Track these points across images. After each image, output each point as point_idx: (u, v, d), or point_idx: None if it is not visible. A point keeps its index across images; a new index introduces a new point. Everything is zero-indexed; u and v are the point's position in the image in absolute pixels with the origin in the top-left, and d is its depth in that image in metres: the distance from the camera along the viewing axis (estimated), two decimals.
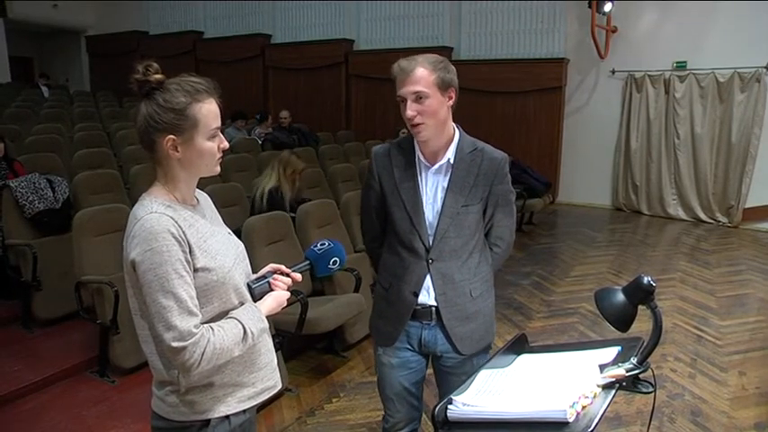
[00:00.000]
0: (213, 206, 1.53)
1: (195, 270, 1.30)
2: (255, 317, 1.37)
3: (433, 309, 1.82)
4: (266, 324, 1.41)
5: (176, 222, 1.27)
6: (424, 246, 1.80)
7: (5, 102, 8.09)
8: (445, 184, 1.79)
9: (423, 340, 1.86)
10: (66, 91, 10.77)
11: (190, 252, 1.29)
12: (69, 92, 10.72)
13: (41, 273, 3.66)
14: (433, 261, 1.80)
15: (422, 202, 1.79)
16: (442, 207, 1.78)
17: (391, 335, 1.88)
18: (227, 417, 1.39)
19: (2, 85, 10.01)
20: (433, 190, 1.81)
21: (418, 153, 1.81)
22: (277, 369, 1.53)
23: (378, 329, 1.95)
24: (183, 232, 1.28)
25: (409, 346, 1.88)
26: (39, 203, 3.87)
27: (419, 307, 1.82)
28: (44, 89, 10.32)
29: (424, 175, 1.81)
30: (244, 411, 1.42)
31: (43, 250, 3.68)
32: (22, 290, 3.75)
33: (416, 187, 1.80)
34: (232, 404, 1.39)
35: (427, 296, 1.82)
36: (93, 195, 4.28)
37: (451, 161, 1.79)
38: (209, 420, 1.37)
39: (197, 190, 1.45)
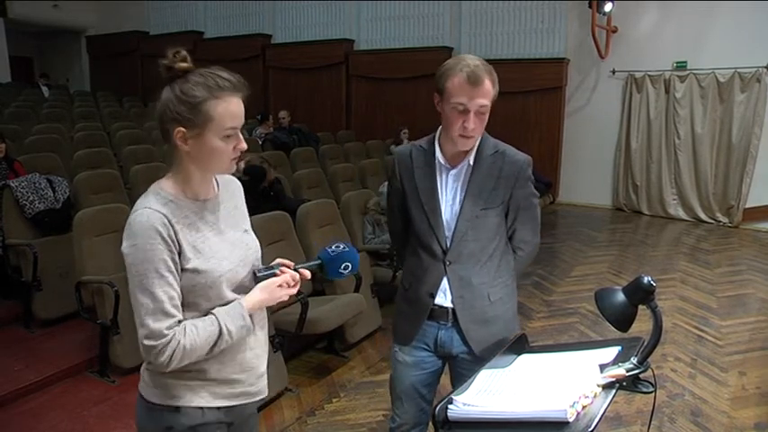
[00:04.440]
0: (240, 197, 1.48)
1: (184, 270, 1.28)
2: (236, 314, 1.33)
3: (450, 309, 1.80)
4: (248, 321, 1.35)
5: (169, 221, 1.26)
6: (442, 248, 1.78)
7: (6, 101, 8.10)
8: (465, 187, 1.76)
9: (439, 340, 1.84)
10: (66, 91, 10.77)
11: (180, 252, 1.27)
12: (70, 92, 10.72)
13: (42, 273, 3.66)
14: (450, 263, 1.78)
15: (440, 205, 1.78)
16: (461, 210, 1.76)
17: (408, 333, 1.87)
18: (201, 409, 1.36)
19: (2, 84, 10.01)
20: (452, 192, 1.79)
21: (438, 154, 1.78)
22: (265, 377, 1.48)
23: (397, 328, 1.95)
24: (175, 232, 1.26)
25: (425, 346, 1.86)
26: (39, 203, 3.87)
27: (436, 307, 1.81)
28: (44, 89, 10.32)
29: (444, 176, 1.79)
30: (218, 408, 1.38)
31: (44, 250, 3.68)
32: (22, 290, 3.75)
33: (435, 189, 1.78)
34: (205, 397, 1.36)
35: (444, 298, 1.80)
36: (93, 195, 4.28)
37: (471, 163, 1.76)
38: (179, 407, 1.35)
39: (228, 177, 1.43)
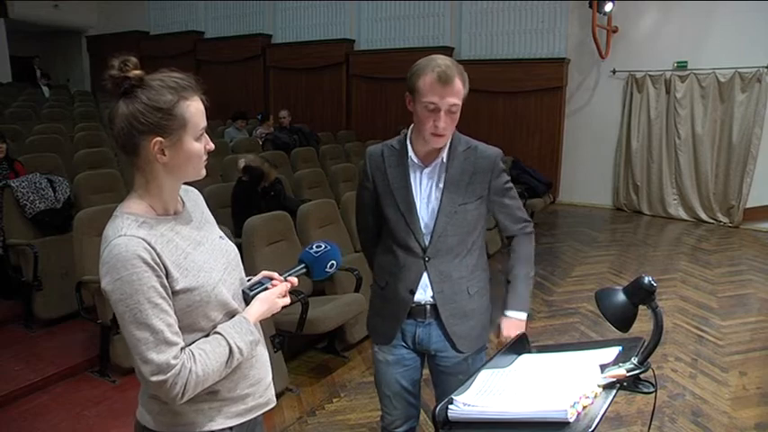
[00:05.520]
0: (203, 204, 1.40)
1: (175, 293, 1.19)
2: (243, 329, 1.27)
3: (428, 306, 1.82)
4: (256, 336, 1.30)
5: (149, 244, 1.16)
6: (420, 245, 1.80)
7: (7, 101, 8.10)
8: (440, 184, 1.79)
9: (416, 338, 1.87)
10: (66, 91, 10.78)
11: (167, 275, 1.18)
12: (70, 92, 10.72)
13: (42, 272, 3.66)
14: (429, 259, 1.80)
15: (415, 203, 1.80)
16: (439, 207, 1.78)
17: (388, 333, 1.89)
18: None
19: (3, 84, 10.02)
20: (427, 190, 1.81)
21: (411, 154, 1.80)
22: (272, 386, 1.44)
23: (374, 328, 1.97)
24: (158, 254, 1.17)
25: (404, 344, 1.89)
26: (39, 203, 3.87)
27: (414, 305, 1.83)
28: (45, 89, 10.33)
29: (417, 175, 1.81)
30: (230, 428, 1.32)
31: (44, 250, 3.68)
32: (22, 290, 3.76)
33: (409, 188, 1.80)
34: (218, 420, 1.29)
35: (423, 294, 1.82)
36: (93, 195, 4.28)
37: (445, 160, 1.79)
38: None
39: (185, 187, 1.34)
